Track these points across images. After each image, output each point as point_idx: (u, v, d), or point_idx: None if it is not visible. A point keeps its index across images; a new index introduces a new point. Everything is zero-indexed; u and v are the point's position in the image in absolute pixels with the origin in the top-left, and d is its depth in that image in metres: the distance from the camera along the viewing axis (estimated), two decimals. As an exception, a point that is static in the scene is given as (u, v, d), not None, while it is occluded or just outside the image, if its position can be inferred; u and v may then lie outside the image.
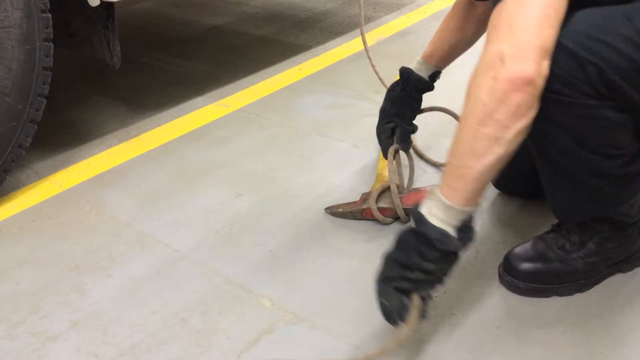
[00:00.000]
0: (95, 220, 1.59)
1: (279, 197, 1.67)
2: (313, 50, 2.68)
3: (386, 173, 1.64)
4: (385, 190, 1.54)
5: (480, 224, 1.53)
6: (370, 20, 2.99)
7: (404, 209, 1.49)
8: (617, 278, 1.34)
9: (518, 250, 1.32)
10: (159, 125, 2.08)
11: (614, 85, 1.03)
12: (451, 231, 1.06)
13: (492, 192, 1.61)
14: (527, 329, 1.22)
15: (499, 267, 1.35)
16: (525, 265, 1.30)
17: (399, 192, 1.52)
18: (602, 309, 1.27)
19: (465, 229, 1.08)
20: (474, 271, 1.37)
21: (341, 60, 2.56)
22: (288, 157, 1.86)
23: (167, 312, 1.29)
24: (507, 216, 1.54)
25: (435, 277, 1.09)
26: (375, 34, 2.81)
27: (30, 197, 1.70)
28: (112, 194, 1.70)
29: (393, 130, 1.63)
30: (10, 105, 1.58)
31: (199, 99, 2.26)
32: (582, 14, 1.04)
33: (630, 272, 1.35)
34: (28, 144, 1.66)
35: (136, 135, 2.01)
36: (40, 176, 1.79)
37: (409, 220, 1.48)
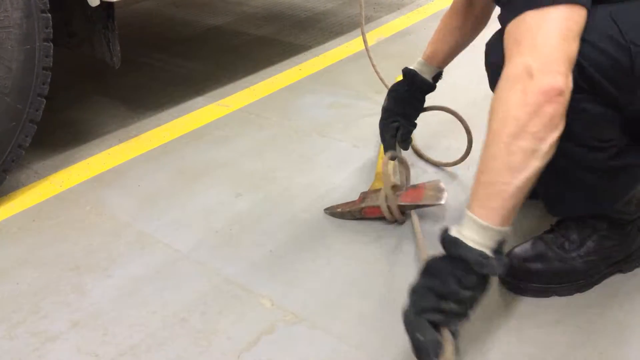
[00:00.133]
0: (95, 220, 1.59)
1: (278, 197, 1.67)
2: (313, 50, 2.68)
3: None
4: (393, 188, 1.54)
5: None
6: (370, 20, 2.99)
7: (401, 205, 1.49)
8: (617, 278, 1.34)
9: (518, 250, 1.32)
10: (159, 125, 2.08)
11: (594, 81, 1.05)
12: (488, 253, 1.02)
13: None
14: (527, 328, 1.22)
15: (499, 267, 1.35)
16: (525, 265, 1.30)
17: (398, 191, 1.53)
18: (602, 309, 1.27)
19: (499, 252, 1.04)
20: (474, 271, 1.37)
21: (341, 60, 2.56)
22: (288, 157, 1.86)
23: (167, 312, 1.29)
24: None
25: (467, 309, 1.04)
26: (376, 34, 2.81)
27: (30, 197, 1.70)
28: (112, 194, 1.70)
29: (397, 129, 1.65)
30: (10, 105, 1.58)
31: (199, 99, 2.26)
32: None
33: (629, 272, 1.35)
34: (28, 144, 1.66)
35: (136, 135, 2.01)
36: (40, 176, 1.79)
37: (403, 219, 1.49)
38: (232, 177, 1.76)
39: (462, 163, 1.71)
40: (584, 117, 1.08)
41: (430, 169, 1.77)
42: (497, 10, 1.14)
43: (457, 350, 1.06)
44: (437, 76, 1.64)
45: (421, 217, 1.54)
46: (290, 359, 1.18)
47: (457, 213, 1.56)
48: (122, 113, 2.17)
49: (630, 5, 1.05)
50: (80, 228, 1.56)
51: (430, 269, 1.06)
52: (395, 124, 1.65)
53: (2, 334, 1.24)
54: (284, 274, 1.39)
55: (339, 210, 1.56)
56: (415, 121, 1.68)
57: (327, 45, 2.74)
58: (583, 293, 1.30)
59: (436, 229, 1.51)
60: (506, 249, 1.34)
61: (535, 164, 0.99)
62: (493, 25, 1.15)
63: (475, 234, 1.01)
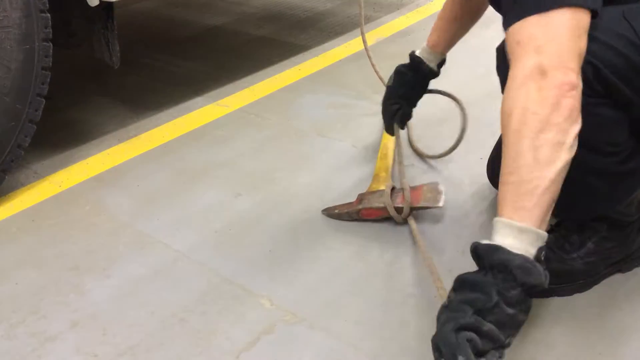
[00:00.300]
0: (94, 221, 1.58)
1: (278, 197, 1.67)
2: (313, 51, 2.68)
3: (383, 173, 1.65)
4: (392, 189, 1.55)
5: (480, 225, 1.53)
6: (369, 20, 2.99)
7: (398, 207, 1.49)
8: (616, 278, 1.34)
9: (517, 250, 1.32)
10: (159, 125, 2.07)
11: (609, 83, 1.04)
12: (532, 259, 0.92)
13: (491, 192, 1.61)
14: (527, 329, 1.22)
15: (498, 267, 1.34)
16: (525, 266, 1.29)
17: (396, 192, 1.54)
18: (601, 309, 1.27)
19: (540, 261, 0.94)
20: (474, 271, 1.37)
21: (341, 60, 2.56)
22: (287, 157, 1.86)
23: (167, 312, 1.29)
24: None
25: (505, 337, 0.90)
26: (375, 34, 2.81)
27: (30, 197, 1.69)
28: (112, 194, 1.70)
29: (396, 111, 1.69)
30: (9, 105, 1.58)
31: (199, 99, 2.26)
32: None
33: (629, 272, 1.35)
34: (27, 144, 1.65)
35: (135, 135, 2.01)
36: (39, 176, 1.79)
37: (403, 219, 1.49)
38: (232, 177, 1.76)
39: (464, 158, 1.73)
40: (597, 122, 1.07)
41: (430, 169, 1.77)
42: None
43: None
44: (441, 63, 1.67)
45: (419, 218, 1.54)
46: (289, 359, 1.18)
47: (454, 213, 1.57)
48: (122, 113, 2.17)
49: None
50: (79, 228, 1.56)
51: (465, 283, 0.94)
52: (396, 106, 1.69)
53: (2, 334, 1.24)
54: (283, 274, 1.39)
55: (336, 211, 1.56)
56: (415, 104, 1.71)
57: (326, 45, 2.74)
58: (582, 293, 1.30)
59: (434, 230, 1.52)
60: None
61: (564, 156, 0.95)
62: (493, 26, 1.15)
63: (514, 239, 0.92)
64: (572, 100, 0.95)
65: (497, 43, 1.16)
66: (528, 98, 0.96)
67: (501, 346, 0.91)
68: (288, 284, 1.36)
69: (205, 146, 1.93)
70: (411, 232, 1.47)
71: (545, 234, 0.95)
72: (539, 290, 0.92)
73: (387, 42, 2.75)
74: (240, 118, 2.11)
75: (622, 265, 1.33)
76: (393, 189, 1.55)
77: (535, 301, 1.27)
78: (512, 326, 0.92)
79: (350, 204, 1.56)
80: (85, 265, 1.42)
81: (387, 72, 2.15)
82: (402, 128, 1.73)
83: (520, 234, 0.92)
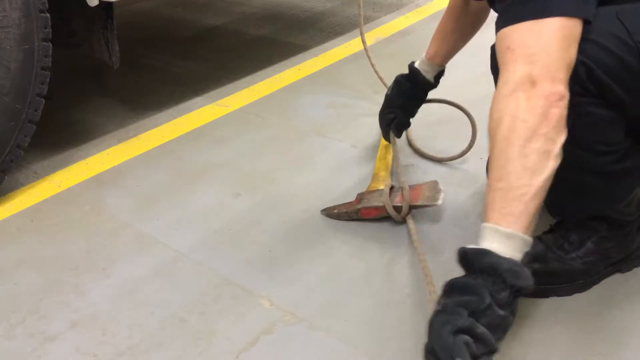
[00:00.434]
0: (94, 221, 1.58)
1: (278, 197, 1.67)
2: (312, 51, 2.68)
3: (382, 173, 1.66)
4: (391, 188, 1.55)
5: (480, 225, 1.52)
6: (369, 21, 2.99)
7: (397, 206, 1.49)
8: (616, 278, 1.34)
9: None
10: (158, 125, 2.07)
11: (602, 83, 1.04)
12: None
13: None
14: (526, 329, 1.22)
15: (498, 267, 1.34)
16: (524, 266, 1.29)
17: (395, 191, 1.54)
18: (601, 309, 1.27)
19: (525, 266, 0.96)
20: (473, 271, 1.37)
21: (340, 60, 2.56)
22: (287, 157, 1.86)
23: (166, 312, 1.29)
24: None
25: (495, 340, 0.91)
26: (375, 34, 2.81)
27: (29, 197, 1.69)
28: (111, 194, 1.70)
29: (392, 120, 1.71)
30: (8, 105, 1.57)
31: (198, 99, 2.26)
32: None
33: (629, 272, 1.35)
34: (26, 144, 1.65)
35: (135, 135, 2.01)
36: (38, 176, 1.79)
37: (402, 218, 1.49)
38: (231, 177, 1.76)
39: (463, 157, 1.75)
40: (590, 121, 1.08)
41: (430, 170, 1.77)
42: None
43: None
44: (440, 74, 1.68)
45: (418, 217, 1.54)
46: (289, 359, 1.17)
47: (453, 213, 1.57)
48: (121, 113, 2.17)
49: (637, 6, 1.05)
50: (79, 228, 1.55)
51: (455, 287, 0.95)
52: (391, 116, 1.71)
53: (1, 335, 1.24)
54: (283, 274, 1.39)
55: (335, 211, 1.56)
56: (414, 114, 1.72)
57: (326, 45, 2.74)
58: (582, 293, 1.30)
59: (432, 229, 1.52)
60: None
61: (551, 164, 0.98)
62: (493, 26, 1.15)
63: (500, 245, 0.95)
64: (559, 110, 0.98)
65: (497, 43, 1.16)
66: (518, 107, 0.98)
67: (492, 351, 0.91)
68: (287, 284, 1.36)
69: (204, 146, 1.93)
70: (409, 231, 1.47)
71: (531, 240, 0.97)
72: (526, 293, 0.95)
73: (387, 42, 2.75)
74: (240, 118, 2.11)
75: (621, 265, 1.33)
76: (392, 188, 1.55)
77: (535, 301, 1.28)
78: (503, 329, 0.93)
79: (349, 203, 1.56)
80: (84, 265, 1.42)
81: (387, 72, 2.17)
82: (398, 136, 1.74)
83: (507, 239, 0.95)
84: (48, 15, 1.60)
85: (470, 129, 1.73)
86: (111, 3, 1.75)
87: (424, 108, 1.74)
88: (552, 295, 1.29)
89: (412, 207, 1.50)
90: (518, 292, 0.93)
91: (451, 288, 0.96)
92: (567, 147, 1.10)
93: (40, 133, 1.69)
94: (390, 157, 1.74)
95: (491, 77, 1.17)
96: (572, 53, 1.00)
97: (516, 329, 1.22)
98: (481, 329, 0.90)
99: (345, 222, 1.55)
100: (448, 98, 1.84)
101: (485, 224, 0.98)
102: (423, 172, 1.75)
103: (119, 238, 1.52)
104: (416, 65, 1.67)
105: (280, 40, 2.83)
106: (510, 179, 0.97)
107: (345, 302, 1.31)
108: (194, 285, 1.36)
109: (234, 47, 2.78)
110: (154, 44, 2.86)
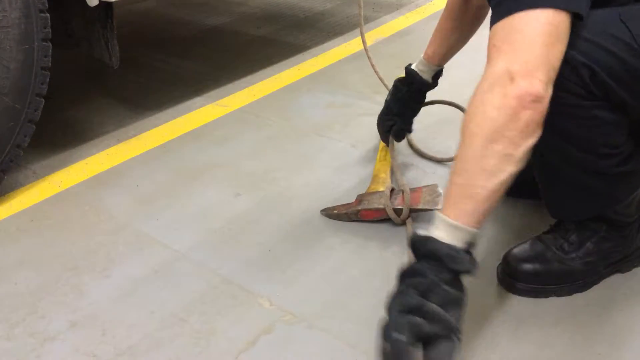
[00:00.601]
0: (93, 221, 1.58)
1: (277, 197, 1.67)
2: (312, 51, 2.68)
3: (382, 174, 1.66)
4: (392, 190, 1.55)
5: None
6: (369, 21, 2.99)
7: (397, 209, 1.49)
8: (616, 278, 1.34)
9: (516, 250, 1.32)
10: (158, 125, 2.07)
11: (606, 86, 1.04)
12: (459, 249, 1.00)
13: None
14: (526, 329, 1.22)
15: (497, 267, 1.35)
16: (524, 266, 1.30)
17: (395, 193, 1.54)
18: (601, 310, 1.27)
19: (469, 253, 1.02)
20: (473, 271, 1.37)
21: (340, 60, 2.56)
22: (287, 157, 1.86)
23: (166, 312, 1.29)
24: (505, 217, 1.54)
25: (448, 322, 0.96)
26: (374, 34, 2.81)
27: (29, 197, 1.69)
28: (111, 194, 1.70)
29: (391, 127, 1.70)
30: (8, 105, 1.57)
31: (198, 99, 2.26)
32: None
33: (628, 273, 1.35)
34: (26, 144, 1.65)
35: (135, 135, 2.01)
36: (38, 176, 1.79)
37: (401, 221, 1.50)
38: (231, 177, 1.76)
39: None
40: (594, 124, 1.07)
41: (430, 171, 1.77)
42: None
43: None
44: (438, 74, 1.66)
45: (417, 220, 1.54)
46: (288, 359, 1.18)
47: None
48: (121, 113, 2.17)
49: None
50: (78, 228, 1.55)
51: (405, 273, 1.02)
52: (390, 123, 1.70)
53: (1, 334, 1.24)
54: (282, 274, 1.39)
55: (335, 211, 1.56)
56: (412, 120, 1.71)
57: (326, 45, 2.74)
58: (581, 293, 1.30)
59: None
60: (504, 249, 1.35)
61: (509, 169, 0.98)
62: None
63: (444, 233, 1.00)
64: (532, 112, 0.96)
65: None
66: (491, 102, 0.97)
67: (452, 331, 0.96)
68: (287, 283, 1.36)
69: (204, 146, 1.93)
70: (407, 233, 1.47)
71: (476, 230, 1.00)
72: (468, 275, 1.01)
73: (387, 42, 2.75)
74: (240, 118, 2.11)
75: (621, 265, 1.33)
76: (392, 190, 1.55)
77: (535, 301, 1.28)
78: (455, 304, 0.98)
79: (349, 204, 1.56)
80: (84, 265, 1.42)
81: (387, 72, 2.17)
82: (398, 141, 1.74)
83: (451, 229, 0.99)
84: (48, 15, 1.60)
85: None
86: (111, 3, 1.75)
87: (424, 108, 1.73)
88: (552, 295, 1.29)
89: (412, 211, 1.50)
90: (459, 275, 1.00)
91: (402, 275, 1.02)
92: (568, 150, 1.10)
93: (40, 133, 1.69)
94: (390, 158, 1.74)
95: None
96: (557, 50, 0.98)
97: (515, 329, 1.22)
98: (431, 306, 0.95)
99: (344, 222, 1.55)
100: (448, 98, 1.85)
101: (437, 213, 1.02)
102: (423, 173, 1.75)
103: (118, 238, 1.52)
104: (413, 66, 1.65)
105: (280, 40, 2.83)
106: (467, 177, 0.99)
107: (345, 302, 1.31)
108: (194, 285, 1.36)
109: (234, 47, 2.78)
110: (154, 44, 2.86)
